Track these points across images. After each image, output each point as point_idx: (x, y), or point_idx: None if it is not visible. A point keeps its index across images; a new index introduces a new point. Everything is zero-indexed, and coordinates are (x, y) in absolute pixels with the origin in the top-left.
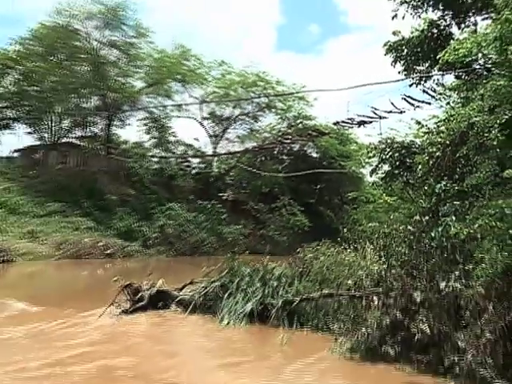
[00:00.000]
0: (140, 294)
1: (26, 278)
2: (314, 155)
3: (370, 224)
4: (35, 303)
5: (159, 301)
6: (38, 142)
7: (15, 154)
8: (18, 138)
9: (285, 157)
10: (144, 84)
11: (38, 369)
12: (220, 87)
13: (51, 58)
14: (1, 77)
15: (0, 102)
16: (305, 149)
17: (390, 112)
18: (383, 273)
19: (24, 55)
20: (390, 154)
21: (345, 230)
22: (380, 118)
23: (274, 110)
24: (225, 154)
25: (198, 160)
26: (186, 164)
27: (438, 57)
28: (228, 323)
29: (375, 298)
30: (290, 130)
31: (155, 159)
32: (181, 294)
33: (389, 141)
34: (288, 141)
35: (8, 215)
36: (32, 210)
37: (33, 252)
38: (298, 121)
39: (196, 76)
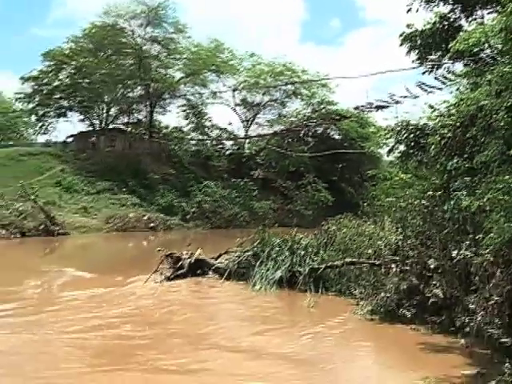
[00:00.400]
0: (180, 263)
1: (79, 248)
2: (336, 137)
3: (387, 199)
4: (88, 271)
5: (198, 268)
6: (89, 128)
7: (69, 139)
8: (72, 124)
9: (310, 139)
10: (182, 74)
11: (92, 329)
12: (250, 76)
13: (100, 54)
14: (57, 71)
15: (57, 93)
16: (328, 131)
17: (405, 97)
18: (400, 243)
19: (77, 52)
20: (406, 135)
21: (364, 204)
22: (396, 102)
23: (299, 97)
24: (255, 136)
25: (231, 142)
26: (221, 146)
27: (449, 46)
28: (260, 288)
29: (393, 265)
30: (314, 115)
31: (193, 142)
32: (217, 262)
33: (404, 123)
34: (313, 124)
35: (63, 193)
36: (84, 188)
37: (85, 226)
38: (322, 106)
39: (229, 66)
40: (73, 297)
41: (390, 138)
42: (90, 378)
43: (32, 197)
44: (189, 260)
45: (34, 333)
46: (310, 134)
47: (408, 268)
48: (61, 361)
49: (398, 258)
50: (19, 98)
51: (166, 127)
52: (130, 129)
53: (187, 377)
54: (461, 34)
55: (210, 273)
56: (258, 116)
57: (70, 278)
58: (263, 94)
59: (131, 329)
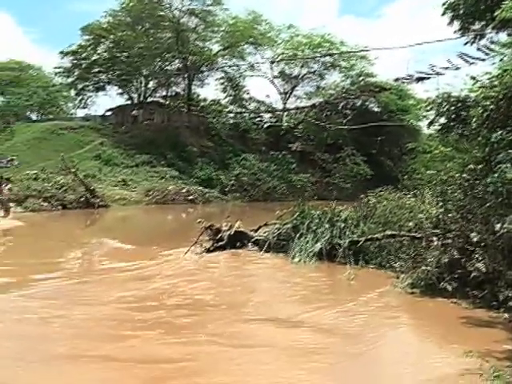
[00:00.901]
0: (220, 235)
1: (119, 221)
2: (375, 109)
3: (428, 172)
4: (128, 242)
5: (237, 241)
6: (128, 102)
7: (108, 113)
8: (111, 98)
9: (348, 111)
10: (220, 47)
11: (133, 300)
12: (288, 48)
13: (138, 27)
14: (96, 46)
15: (95, 67)
16: (367, 104)
17: (447, 69)
18: (441, 216)
19: (115, 26)
20: (447, 107)
21: (404, 178)
22: (437, 74)
23: (338, 69)
24: (293, 109)
25: (269, 115)
26: (259, 119)
27: (494, 14)
28: (299, 261)
29: (434, 238)
30: (353, 87)
31: (231, 115)
32: (256, 234)
33: (445, 95)
34: (351, 97)
35: (103, 166)
36: (123, 161)
37: (125, 198)
38: (361, 78)
39: (267, 39)
40: (113, 268)
41: (430, 110)
42: (140, 347)
43: (72, 170)
44: (228, 232)
45: (75, 303)
46: (349, 106)
47: (449, 241)
48: (105, 331)
49: (439, 232)
50: (59, 73)
51: (204, 100)
52: (168, 102)
53: (230, 347)
54: (506, 1)
55: (250, 245)
56: (296, 88)
57: (111, 250)
58: (301, 67)
59: (172, 300)
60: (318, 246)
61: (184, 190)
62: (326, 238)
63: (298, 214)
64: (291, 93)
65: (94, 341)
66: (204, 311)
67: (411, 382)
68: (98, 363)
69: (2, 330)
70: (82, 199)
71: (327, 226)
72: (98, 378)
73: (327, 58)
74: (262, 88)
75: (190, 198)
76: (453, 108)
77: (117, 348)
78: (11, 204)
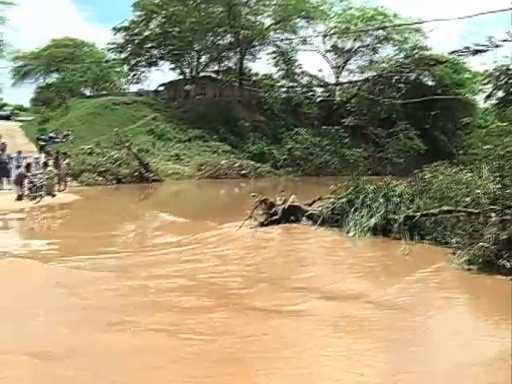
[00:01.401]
0: (274, 209)
1: (172, 195)
2: (430, 83)
3: (484, 147)
4: (182, 216)
5: (291, 215)
6: (180, 77)
7: (161, 88)
8: (163, 73)
9: (402, 85)
10: (272, 21)
11: (188, 273)
12: (341, 22)
13: (190, 2)
14: (148, 21)
15: (148, 42)
16: (421, 77)
17: (505, 41)
18: (499, 192)
19: (166, 1)
20: (505, 80)
21: (459, 153)
22: (496, 46)
23: (391, 42)
24: (346, 83)
25: (321, 89)
26: (311, 93)
27: None
28: (354, 235)
29: (492, 214)
30: (406, 61)
31: (283, 89)
32: (310, 208)
33: (504, 68)
34: (405, 70)
35: (156, 141)
36: (176, 136)
37: (178, 173)
38: (415, 51)
39: (319, 12)
40: (168, 241)
41: (487, 84)
42: (192, 317)
43: (126, 144)
44: (282, 206)
45: (130, 276)
46: (402, 80)
47: (508, 218)
48: (158, 302)
49: (497, 208)
50: (112, 49)
51: (256, 74)
52: (220, 76)
53: (283, 318)
54: None
55: (304, 219)
56: (349, 62)
57: (164, 223)
58: (354, 40)
59: (227, 273)
60: (373, 220)
61: (236, 165)
62: (381, 212)
63: (352, 188)
64: (344, 67)
65: (152, 312)
66: (259, 285)
67: (462, 360)
68: (158, 334)
69: (60, 300)
70: (136, 173)
71: (382, 200)
72: (157, 347)
73: (380, 32)
74: (314, 62)
75: (243, 172)
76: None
77: (174, 320)
78: (68, 178)
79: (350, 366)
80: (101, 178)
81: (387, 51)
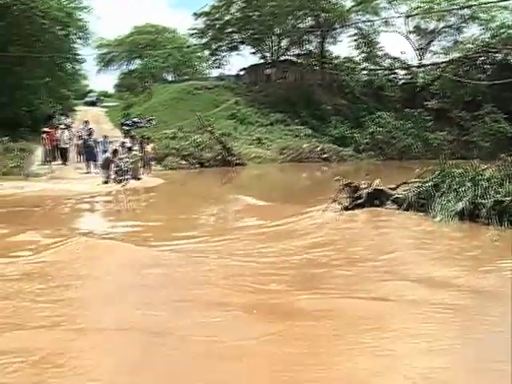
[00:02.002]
0: (358, 193)
1: (255, 178)
2: None
3: None
4: (263, 199)
5: (375, 199)
6: (261, 61)
7: (242, 72)
8: (244, 58)
9: (488, 66)
10: (353, 3)
11: (272, 255)
12: (424, 2)
13: None
14: (228, 6)
15: (228, 27)
16: (508, 58)
17: None
18: None
19: None
20: None
21: None
22: None
23: (477, 21)
24: (429, 65)
25: (404, 72)
26: (393, 76)
27: None
28: (440, 220)
29: None
30: (493, 40)
31: (365, 72)
32: (395, 192)
33: None
34: (492, 50)
35: (238, 125)
36: (258, 120)
37: (260, 156)
38: (502, 30)
39: None
40: (250, 224)
41: None
42: (279, 300)
43: (209, 129)
44: (367, 190)
45: (214, 259)
46: (489, 61)
47: None
48: (244, 284)
49: None
50: (193, 34)
51: (337, 57)
52: (301, 60)
53: (370, 302)
54: None
55: (388, 203)
56: (433, 43)
57: (247, 206)
58: (438, 20)
59: (312, 256)
60: (460, 205)
61: (318, 149)
62: (469, 197)
63: (438, 172)
64: (427, 48)
65: (244, 293)
66: (344, 268)
67: None
68: (247, 314)
69: (154, 280)
70: (219, 157)
71: (469, 184)
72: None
73: (465, 10)
74: (396, 44)
75: (325, 156)
76: None
77: (265, 300)
78: (152, 162)
79: (432, 353)
80: (184, 162)
81: (472, 31)
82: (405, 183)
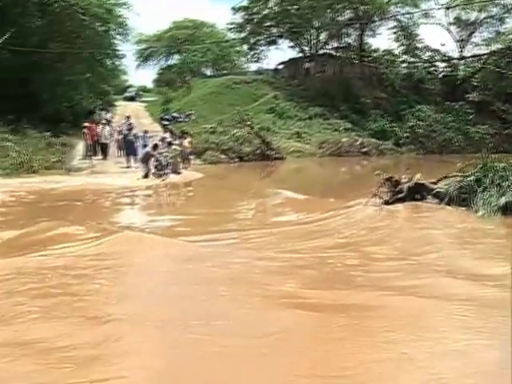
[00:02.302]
0: (399, 187)
1: (293, 172)
2: None
3: None
4: (302, 193)
5: (416, 193)
6: (300, 55)
7: (280, 66)
8: (282, 51)
9: None
10: None
11: (313, 251)
12: None
13: None
14: (267, 0)
15: (266, 21)
16: None
17: None
18: None
19: None
20: None
21: None
22: None
23: None
24: (471, 57)
25: (444, 64)
26: (433, 68)
27: None
28: (482, 215)
29: None
30: None
31: (404, 65)
32: (436, 187)
33: None
34: None
35: (277, 119)
36: (296, 114)
37: (299, 150)
38: None
39: None
40: (290, 219)
41: None
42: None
43: (248, 123)
44: (408, 184)
45: (253, 252)
46: None
47: None
48: (288, 276)
49: None
50: (231, 28)
51: (377, 50)
52: (340, 53)
53: (418, 298)
54: None
55: (429, 197)
56: (474, 35)
57: (286, 200)
58: (479, 11)
59: (350, 252)
60: (503, 199)
61: (358, 143)
62: None
63: (480, 166)
64: (468, 40)
65: (265, 285)
66: (385, 263)
67: None
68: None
69: (195, 273)
70: (258, 151)
71: None
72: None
73: (508, 0)
74: (436, 36)
75: (364, 150)
76: None
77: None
78: (191, 157)
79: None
80: (223, 156)
81: None
82: (446, 177)
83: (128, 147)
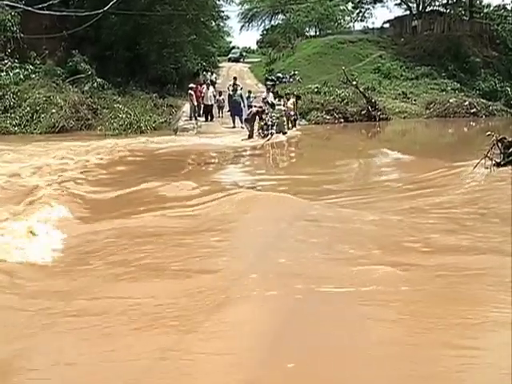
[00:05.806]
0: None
1: (399, 133)
2: None
3: None
4: (408, 154)
5: None
6: (406, 12)
7: (386, 25)
8: (388, 10)
9: None
10: None
11: (421, 210)
12: None
13: None
14: None
15: None
16: None
17: None
18: None
19: None
20: None
21: None
22: None
23: None
24: None
25: None
26: None
27: None
28: None
29: None
30: None
31: None
32: None
33: None
34: None
35: (382, 79)
36: (402, 74)
37: (405, 111)
38: None
39: None
40: (397, 178)
41: None
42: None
43: (353, 83)
44: None
45: (364, 211)
46: None
47: None
48: (398, 244)
49: None
50: None
51: (488, 6)
52: (448, 10)
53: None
54: None
55: None
56: None
57: (391, 160)
58: None
59: (456, 215)
60: None
61: (466, 103)
62: None
63: None
64: None
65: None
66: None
67: None
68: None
69: (306, 231)
70: (363, 112)
71: None
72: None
73: None
74: None
75: (472, 111)
76: None
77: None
78: (296, 117)
79: None
80: (329, 117)
81: None
82: None
83: (234, 108)
